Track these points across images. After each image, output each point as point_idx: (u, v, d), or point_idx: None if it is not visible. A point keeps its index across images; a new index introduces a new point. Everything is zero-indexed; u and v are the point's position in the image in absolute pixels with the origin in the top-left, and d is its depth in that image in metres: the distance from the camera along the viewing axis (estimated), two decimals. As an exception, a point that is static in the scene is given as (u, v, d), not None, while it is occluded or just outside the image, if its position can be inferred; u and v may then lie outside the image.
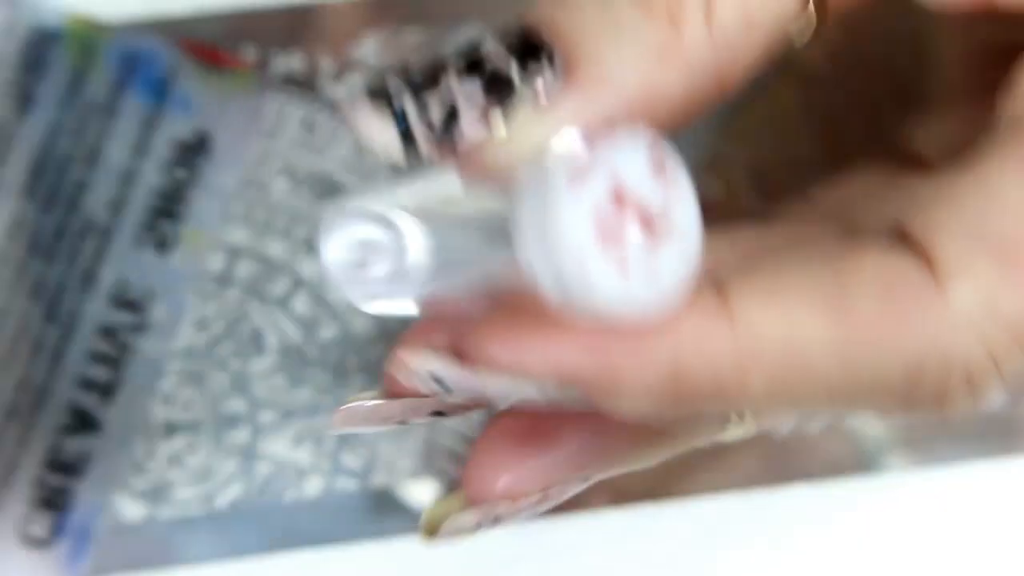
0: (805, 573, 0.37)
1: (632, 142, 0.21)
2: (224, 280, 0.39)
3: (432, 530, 0.25)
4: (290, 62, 0.41)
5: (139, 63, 0.40)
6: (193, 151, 0.40)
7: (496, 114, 0.21)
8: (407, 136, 0.21)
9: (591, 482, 0.25)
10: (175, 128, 0.40)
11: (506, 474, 0.25)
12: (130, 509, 0.37)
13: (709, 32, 0.22)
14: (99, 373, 0.38)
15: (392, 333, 0.39)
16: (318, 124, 0.40)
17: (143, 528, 0.37)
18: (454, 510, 0.25)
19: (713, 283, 0.21)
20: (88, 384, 0.38)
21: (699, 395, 0.21)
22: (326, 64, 0.41)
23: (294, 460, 0.38)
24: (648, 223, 0.20)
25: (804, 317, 0.21)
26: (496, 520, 0.25)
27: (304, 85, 0.40)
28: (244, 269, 0.39)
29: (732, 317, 0.21)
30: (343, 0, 0.41)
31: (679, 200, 0.21)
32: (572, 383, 0.21)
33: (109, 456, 0.38)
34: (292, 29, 0.40)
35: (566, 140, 0.21)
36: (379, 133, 0.21)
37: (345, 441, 0.38)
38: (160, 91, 0.40)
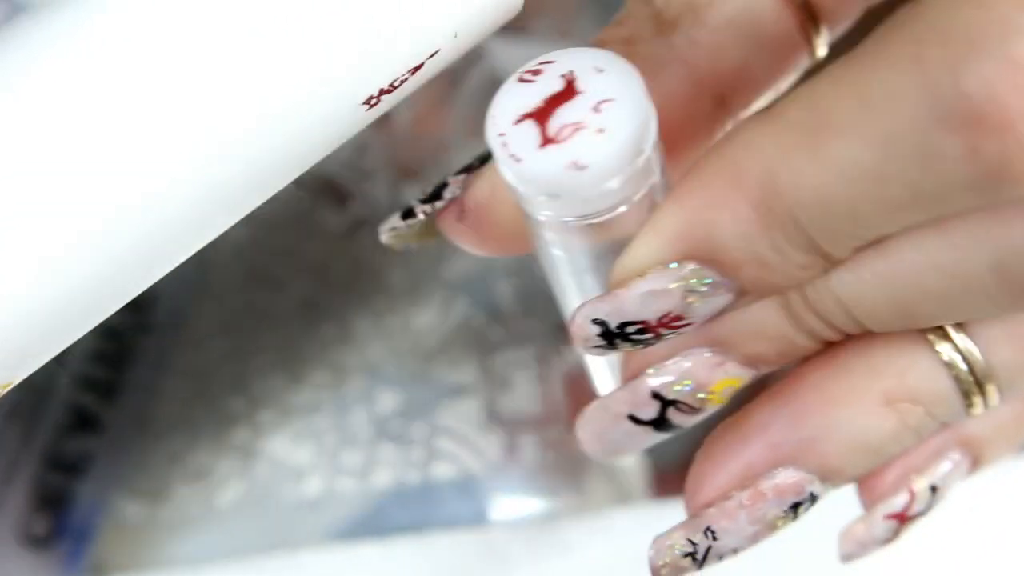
0: (805, 573, 0.37)
1: (580, 52, 0.23)
2: (224, 280, 0.39)
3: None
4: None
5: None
6: (193, 151, 0.40)
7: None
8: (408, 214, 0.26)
9: (813, 486, 0.25)
10: (175, 128, 0.40)
11: (712, 475, 0.25)
12: (130, 509, 0.37)
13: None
14: (100, 372, 0.38)
15: (393, 332, 0.39)
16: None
17: (143, 528, 0.37)
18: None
19: None
20: (89, 383, 0.38)
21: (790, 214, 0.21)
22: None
23: (294, 460, 0.38)
24: (575, 119, 0.22)
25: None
26: (710, 534, 0.25)
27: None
28: (244, 269, 0.39)
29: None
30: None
31: (614, 104, 0.22)
32: (678, 248, 0.22)
33: (109, 456, 0.38)
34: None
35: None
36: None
37: (345, 441, 0.38)
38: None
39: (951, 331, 0.24)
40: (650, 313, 0.23)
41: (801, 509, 0.25)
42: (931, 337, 0.24)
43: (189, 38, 0.21)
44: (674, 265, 0.22)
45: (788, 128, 0.21)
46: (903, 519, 0.26)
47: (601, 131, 0.22)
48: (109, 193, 0.21)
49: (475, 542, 0.37)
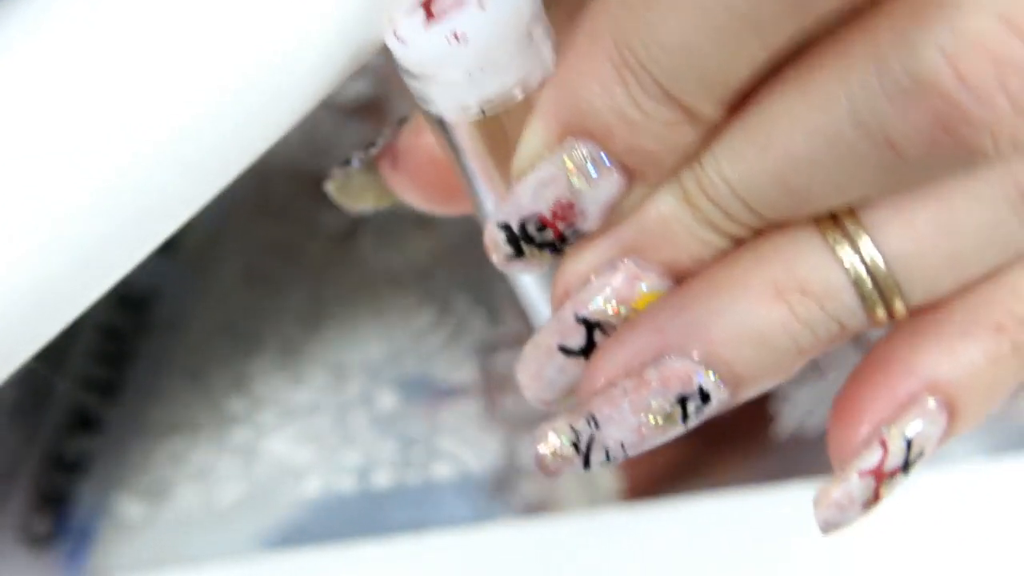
0: (806, 573, 0.37)
1: None
2: (224, 280, 0.39)
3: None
4: (290, 62, 0.41)
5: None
6: (194, 151, 0.40)
7: None
8: None
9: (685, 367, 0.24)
10: (176, 128, 0.40)
11: (601, 364, 0.24)
12: (130, 509, 0.37)
13: None
14: (100, 373, 0.38)
15: (393, 332, 0.39)
16: (318, 124, 0.40)
17: (143, 528, 0.37)
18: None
19: None
20: (89, 384, 0.38)
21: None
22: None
23: (294, 460, 0.38)
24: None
25: None
26: (592, 422, 0.24)
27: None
28: (244, 269, 0.39)
29: None
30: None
31: None
32: (556, 128, 0.22)
33: (109, 456, 0.38)
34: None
35: None
36: None
37: (345, 441, 0.38)
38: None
39: (849, 227, 0.23)
40: (543, 204, 0.23)
41: (690, 406, 0.24)
42: (829, 235, 0.23)
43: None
44: (558, 151, 0.23)
45: None
46: (879, 475, 0.25)
47: (481, 6, 0.23)
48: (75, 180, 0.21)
49: (475, 542, 0.37)
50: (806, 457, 0.38)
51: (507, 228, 0.23)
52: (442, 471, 0.38)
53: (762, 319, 0.23)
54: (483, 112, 0.24)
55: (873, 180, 0.22)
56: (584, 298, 0.24)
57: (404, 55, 0.23)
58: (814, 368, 0.38)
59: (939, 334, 0.24)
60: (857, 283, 0.23)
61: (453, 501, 0.38)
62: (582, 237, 0.24)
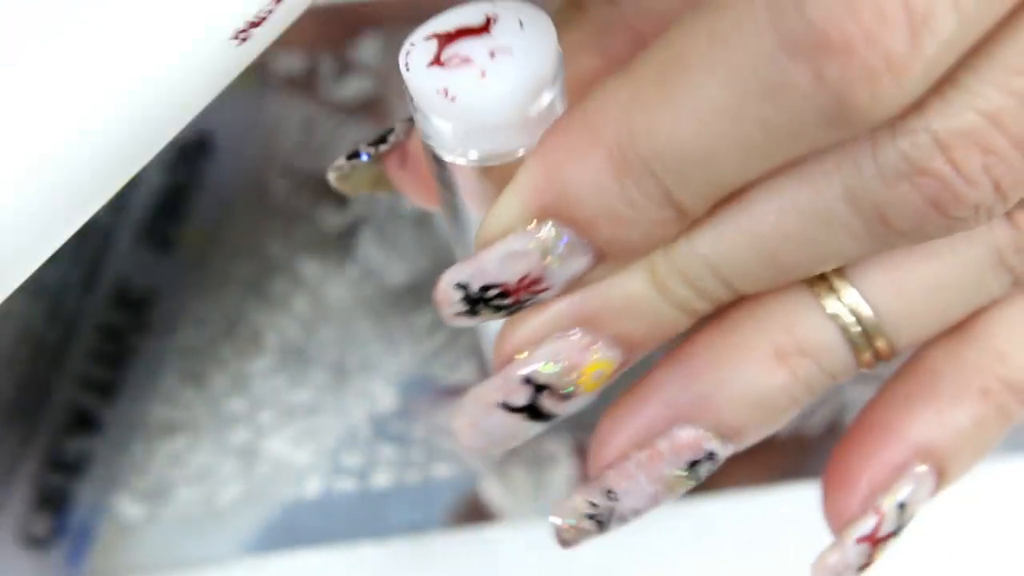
0: (806, 573, 0.37)
1: (519, 4, 0.23)
2: (224, 280, 0.39)
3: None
4: (290, 62, 0.41)
5: (139, 63, 0.40)
6: (193, 151, 0.40)
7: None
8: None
9: (714, 450, 0.25)
10: (175, 128, 0.40)
11: (611, 438, 0.25)
12: (130, 509, 0.37)
13: None
14: (100, 373, 0.38)
15: (393, 332, 0.39)
16: (318, 124, 0.40)
17: (143, 528, 0.37)
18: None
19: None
20: (89, 384, 0.38)
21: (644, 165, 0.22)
22: (326, 64, 0.41)
23: (294, 460, 0.38)
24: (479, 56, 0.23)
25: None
26: (610, 496, 0.25)
27: (304, 85, 0.40)
28: (244, 269, 0.39)
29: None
30: (343, 0, 0.41)
31: (509, 57, 0.23)
32: (535, 207, 0.22)
33: (109, 456, 0.38)
34: (292, 29, 0.40)
35: None
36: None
37: (345, 441, 0.38)
38: (160, 91, 0.40)
39: (835, 282, 0.24)
40: (510, 275, 0.23)
41: (701, 468, 0.25)
42: (816, 290, 0.24)
43: None
44: (533, 227, 0.23)
45: (642, 74, 0.22)
46: (875, 541, 0.26)
47: (483, 74, 0.22)
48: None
49: (474, 542, 0.37)
50: (806, 457, 0.38)
51: (464, 288, 0.23)
52: (442, 471, 0.38)
53: (766, 385, 0.24)
54: (478, 162, 0.23)
55: (860, 250, 0.23)
56: (533, 360, 0.24)
57: (407, 79, 0.23)
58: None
59: (929, 401, 0.25)
60: (849, 338, 0.24)
61: (452, 501, 0.37)
62: (539, 303, 0.24)
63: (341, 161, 0.27)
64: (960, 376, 0.25)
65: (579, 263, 0.23)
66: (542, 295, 0.23)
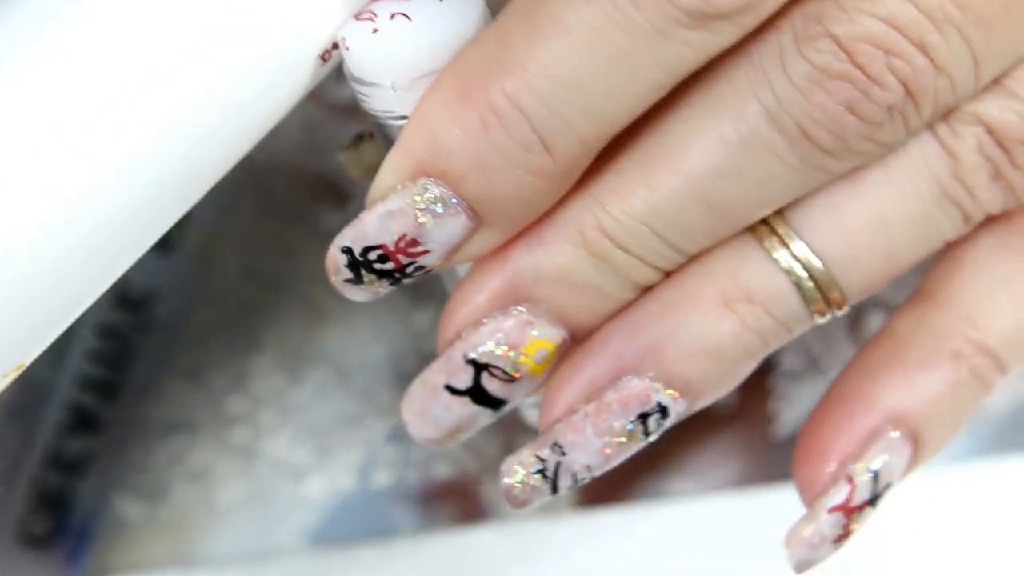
0: (805, 573, 0.37)
1: None
2: (224, 280, 0.39)
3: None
4: (290, 62, 0.41)
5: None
6: (193, 151, 0.40)
7: None
8: None
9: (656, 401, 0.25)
10: (175, 128, 0.40)
11: (559, 392, 0.25)
12: (130, 509, 0.37)
13: None
14: (100, 373, 0.38)
15: (393, 332, 0.39)
16: (318, 124, 0.40)
17: (143, 528, 0.37)
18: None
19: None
20: (89, 384, 0.38)
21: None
22: (326, 64, 0.41)
23: (294, 460, 0.38)
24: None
25: None
26: (558, 450, 0.25)
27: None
28: (244, 269, 0.39)
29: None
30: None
31: (407, 22, 0.23)
32: (411, 165, 0.23)
33: (109, 456, 0.38)
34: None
35: None
36: None
37: (345, 441, 0.38)
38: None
39: (780, 229, 0.24)
40: (388, 236, 0.23)
41: (651, 422, 0.24)
42: (764, 243, 0.24)
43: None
44: (410, 185, 0.23)
45: (508, 20, 0.22)
46: (848, 511, 0.25)
47: (376, 31, 0.23)
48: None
49: (474, 542, 0.38)
50: (806, 457, 0.38)
51: (349, 252, 0.23)
52: (442, 471, 0.38)
53: (714, 332, 0.24)
54: (379, 117, 0.24)
55: (794, 180, 0.23)
56: (474, 340, 0.24)
57: (348, 59, 0.23)
58: (814, 367, 0.38)
59: (899, 367, 0.25)
60: (798, 286, 0.24)
61: (452, 501, 0.38)
62: (423, 272, 0.24)
63: (353, 141, 0.27)
64: (929, 341, 0.25)
65: (455, 224, 0.23)
66: (422, 259, 0.23)
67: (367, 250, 0.23)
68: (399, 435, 0.38)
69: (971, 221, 0.24)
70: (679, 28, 0.21)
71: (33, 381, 0.38)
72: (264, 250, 0.40)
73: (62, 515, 0.37)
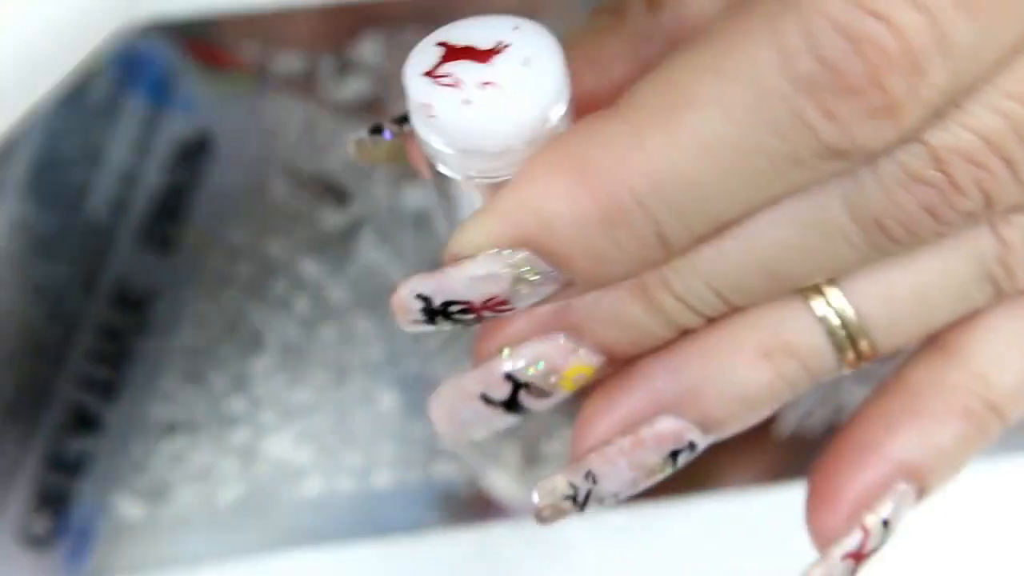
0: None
1: (538, 36, 0.23)
2: (224, 280, 0.39)
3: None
4: (290, 62, 0.41)
5: (140, 63, 0.40)
6: (194, 151, 0.40)
7: None
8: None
9: (693, 439, 0.25)
10: (176, 128, 0.40)
11: (596, 423, 0.25)
12: (130, 509, 0.37)
13: None
14: (100, 373, 0.38)
15: (393, 332, 0.39)
16: (318, 124, 0.40)
17: (143, 528, 0.37)
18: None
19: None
20: (89, 384, 0.38)
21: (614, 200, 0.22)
22: (326, 64, 0.41)
23: (294, 460, 0.38)
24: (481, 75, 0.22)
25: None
26: (590, 478, 0.25)
27: (304, 85, 0.40)
28: (244, 269, 0.39)
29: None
30: (343, 0, 0.41)
31: (496, 88, 0.22)
32: (512, 235, 0.22)
33: (109, 456, 0.38)
34: (292, 29, 0.40)
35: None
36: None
37: (345, 441, 0.38)
38: (161, 91, 0.40)
39: (825, 289, 0.24)
40: (476, 295, 0.23)
41: (680, 457, 0.25)
42: (806, 294, 0.25)
43: None
44: (507, 251, 0.22)
45: (641, 112, 0.22)
46: (859, 557, 0.26)
47: (467, 102, 0.22)
48: None
49: (475, 542, 0.37)
50: (806, 457, 0.38)
51: (426, 300, 0.23)
52: (442, 471, 0.38)
53: (752, 382, 0.25)
54: (470, 177, 0.23)
55: (856, 259, 0.24)
56: (517, 359, 0.25)
57: (404, 79, 0.23)
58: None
59: (912, 420, 0.26)
60: (834, 340, 0.25)
61: (452, 501, 0.38)
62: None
63: (363, 135, 0.26)
64: (943, 396, 0.26)
65: (547, 289, 0.23)
66: (505, 314, 0.23)
67: (449, 303, 0.23)
68: (399, 435, 0.38)
69: (1003, 297, 0.25)
70: (817, 160, 0.21)
71: (33, 381, 0.38)
72: (264, 250, 0.40)
73: (62, 515, 0.37)
